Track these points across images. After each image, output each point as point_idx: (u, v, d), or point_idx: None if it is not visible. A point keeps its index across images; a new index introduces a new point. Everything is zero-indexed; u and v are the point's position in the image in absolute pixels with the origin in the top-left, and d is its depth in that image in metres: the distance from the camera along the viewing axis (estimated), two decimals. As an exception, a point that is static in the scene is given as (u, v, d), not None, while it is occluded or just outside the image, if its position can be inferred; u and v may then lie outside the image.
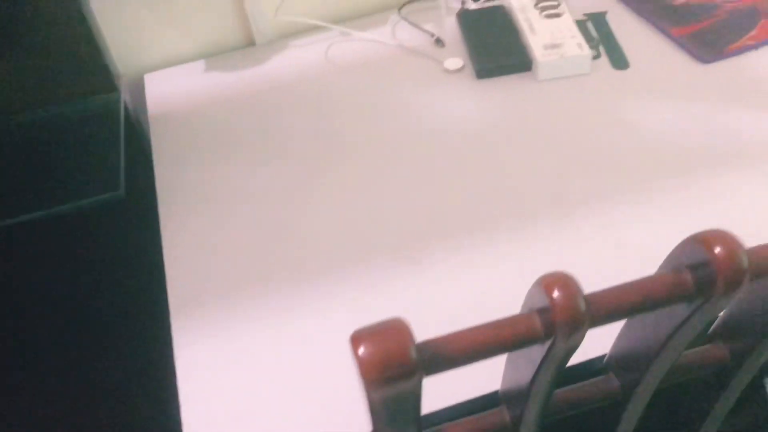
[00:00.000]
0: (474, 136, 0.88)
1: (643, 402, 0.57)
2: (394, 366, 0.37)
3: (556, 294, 0.39)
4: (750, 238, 0.47)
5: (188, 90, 1.03)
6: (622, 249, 0.72)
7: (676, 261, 0.45)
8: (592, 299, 0.41)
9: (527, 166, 0.82)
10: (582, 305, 0.39)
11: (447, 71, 0.98)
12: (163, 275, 0.77)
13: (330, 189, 0.84)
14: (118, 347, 1.00)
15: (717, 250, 0.41)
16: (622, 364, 0.59)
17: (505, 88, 0.94)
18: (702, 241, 0.42)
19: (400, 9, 1.09)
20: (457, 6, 1.09)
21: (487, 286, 0.70)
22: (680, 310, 0.45)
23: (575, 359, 0.60)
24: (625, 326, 0.54)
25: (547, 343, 0.42)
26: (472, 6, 1.07)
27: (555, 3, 1.01)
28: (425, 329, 0.64)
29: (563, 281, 0.39)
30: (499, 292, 0.69)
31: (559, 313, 0.39)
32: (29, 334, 0.95)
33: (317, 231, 0.79)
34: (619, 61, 0.94)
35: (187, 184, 0.88)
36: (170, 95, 1.03)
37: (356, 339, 0.37)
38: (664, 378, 0.55)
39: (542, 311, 0.41)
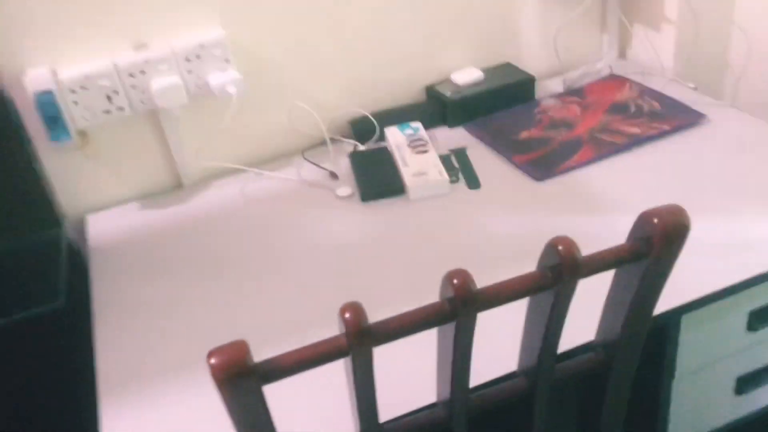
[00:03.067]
0: (358, 249, 1.08)
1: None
2: (234, 369, 0.54)
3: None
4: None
5: (126, 227, 1.22)
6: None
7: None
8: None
9: (401, 270, 1.02)
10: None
11: (339, 197, 1.20)
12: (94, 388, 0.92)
13: (244, 299, 1.01)
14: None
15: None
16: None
17: (385, 208, 1.15)
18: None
19: (303, 152, 1.33)
20: (350, 148, 1.33)
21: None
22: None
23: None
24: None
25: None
26: (361, 148, 1.32)
27: (423, 142, 1.25)
28: None
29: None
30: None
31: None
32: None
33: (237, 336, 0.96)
34: (473, 182, 1.17)
35: (122, 302, 1.05)
36: (110, 232, 1.22)
37: (209, 354, 0.54)
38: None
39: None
